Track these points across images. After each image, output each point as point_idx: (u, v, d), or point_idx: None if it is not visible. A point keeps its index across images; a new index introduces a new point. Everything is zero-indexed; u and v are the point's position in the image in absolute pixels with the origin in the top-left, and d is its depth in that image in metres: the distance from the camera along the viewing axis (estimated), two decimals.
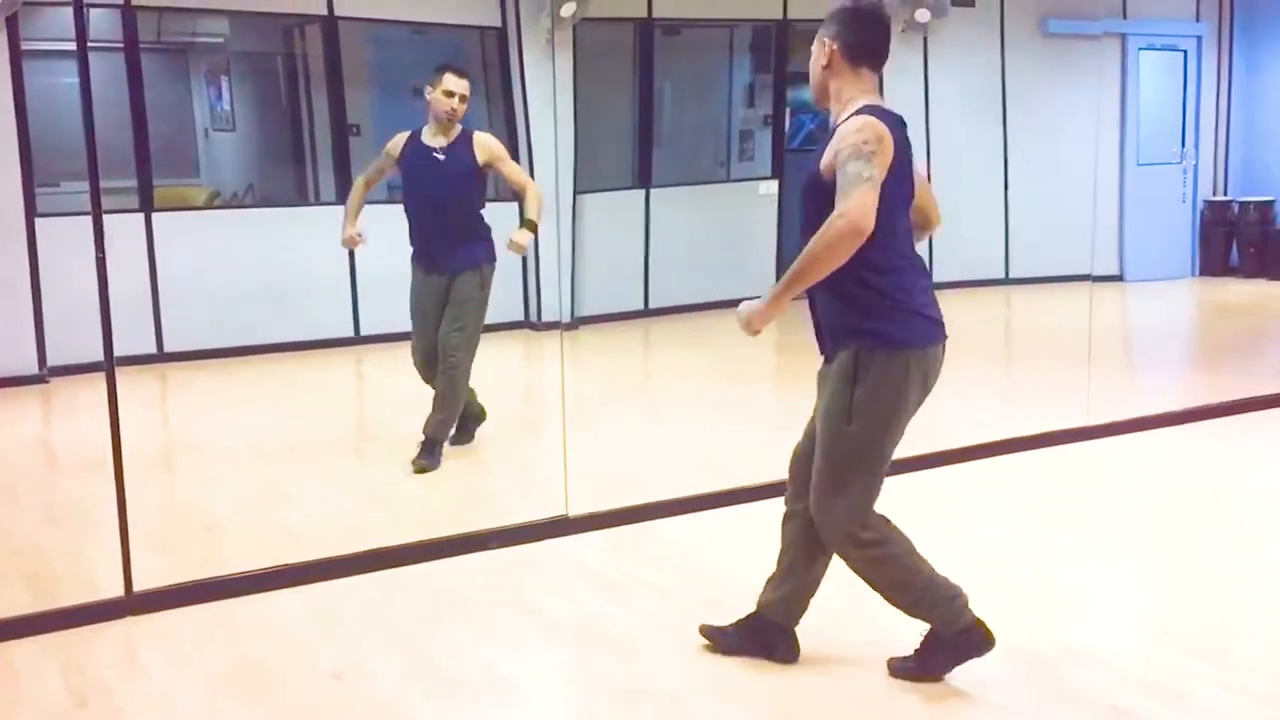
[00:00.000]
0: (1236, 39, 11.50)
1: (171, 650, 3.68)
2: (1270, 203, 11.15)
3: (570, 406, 5.04)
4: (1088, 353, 6.52)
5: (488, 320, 5.57)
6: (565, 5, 8.42)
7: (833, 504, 3.20)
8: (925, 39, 10.13)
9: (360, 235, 5.59)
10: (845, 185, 2.98)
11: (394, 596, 4.06)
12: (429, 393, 5.52)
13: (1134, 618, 3.89)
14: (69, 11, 4.26)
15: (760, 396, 7.26)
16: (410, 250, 5.54)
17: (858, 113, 3.10)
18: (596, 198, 9.30)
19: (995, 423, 5.83)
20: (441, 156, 5.38)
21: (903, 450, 3.31)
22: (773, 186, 10.21)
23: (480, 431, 5.85)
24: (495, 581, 4.19)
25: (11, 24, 7.29)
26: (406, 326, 5.63)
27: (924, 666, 3.32)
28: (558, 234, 8.24)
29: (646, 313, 9.63)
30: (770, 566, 3.47)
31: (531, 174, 8.53)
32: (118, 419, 3.95)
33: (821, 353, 3.29)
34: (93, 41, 7.67)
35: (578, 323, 8.95)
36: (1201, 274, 11.41)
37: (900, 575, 3.24)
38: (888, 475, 3.26)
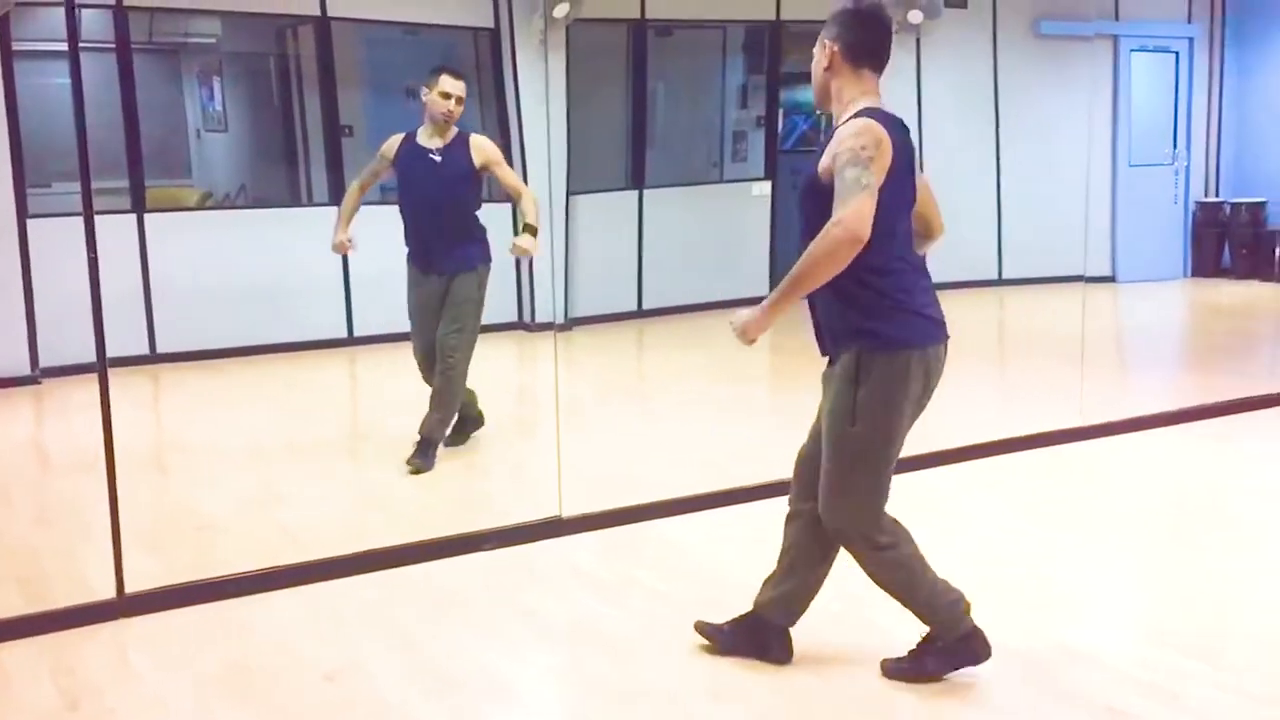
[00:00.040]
0: (1228, 41, 11.54)
1: (163, 652, 3.66)
2: (1262, 204, 11.17)
3: (564, 407, 5.03)
4: (1081, 353, 6.53)
5: (481, 321, 5.56)
6: (558, 6, 8.41)
7: (841, 505, 3.21)
8: (918, 40, 10.15)
9: (350, 241, 5.57)
10: (843, 192, 2.98)
11: (388, 597, 4.05)
12: (423, 393, 5.51)
13: (1130, 618, 3.89)
14: (60, 12, 4.24)
15: (755, 397, 7.25)
16: (406, 251, 5.53)
17: (857, 115, 3.09)
18: (590, 199, 9.29)
19: (990, 423, 5.84)
20: (438, 158, 5.38)
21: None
22: (766, 187, 10.21)
23: (475, 433, 5.84)
24: (490, 582, 4.17)
25: (3, 24, 7.27)
26: (400, 327, 5.62)
27: (918, 668, 3.32)
28: (551, 235, 8.23)
29: (640, 313, 9.63)
30: (766, 566, 3.47)
31: (525, 175, 8.56)
32: (110, 420, 3.94)
33: (822, 352, 3.29)
34: (84, 42, 7.58)
35: (571, 324, 8.95)
36: (1193, 275, 11.44)
37: (909, 578, 3.25)
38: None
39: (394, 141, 5.50)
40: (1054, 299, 9.47)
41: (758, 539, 4.50)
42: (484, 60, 9.07)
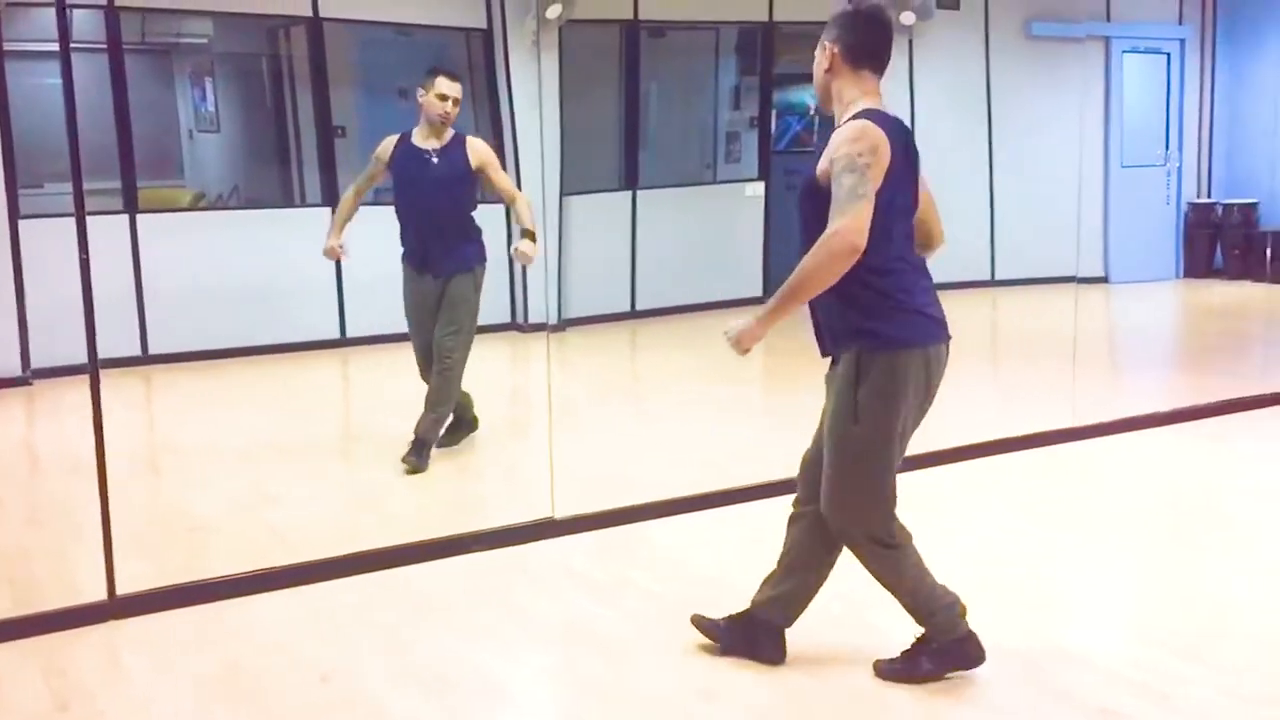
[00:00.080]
0: (1219, 42, 11.57)
1: (155, 654, 3.65)
2: (1254, 205, 11.20)
3: (557, 408, 5.03)
4: (1073, 354, 6.54)
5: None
6: (551, 7, 8.41)
7: (845, 504, 3.21)
8: (910, 41, 10.15)
9: (342, 248, 5.55)
10: (840, 201, 2.98)
11: (381, 599, 4.04)
12: (415, 395, 5.50)
13: (1123, 618, 3.90)
14: (52, 12, 4.23)
15: (748, 398, 7.25)
16: (401, 251, 5.53)
17: (856, 116, 3.09)
18: (583, 199, 9.29)
19: (983, 423, 5.84)
20: (435, 159, 5.37)
21: None
22: (759, 188, 10.21)
23: (469, 436, 5.83)
24: (482, 584, 4.17)
25: None
26: (393, 328, 5.62)
27: (911, 669, 3.32)
28: (544, 236, 8.20)
29: (633, 314, 9.62)
30: (761, 567, 3.47)
31: (518, 176, 8.56)
32: (101, 421, 3.93)
33: (822, 353, 3.29)
34: (76, 42, 7.65)
35: (565, 324, 8.95)
36: (1186, 276, 11.47)
37: (908, 582, 3.26)
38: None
39: (388, 143, 5.49)
40: (1047, 299, 9.49)
41: (752, 540, 4.50)
42: (477, 61, 9.06)
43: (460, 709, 3.29)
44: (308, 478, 5.53)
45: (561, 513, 4.64)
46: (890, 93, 3.28)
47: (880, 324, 3.10)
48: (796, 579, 3.38)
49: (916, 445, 3.39)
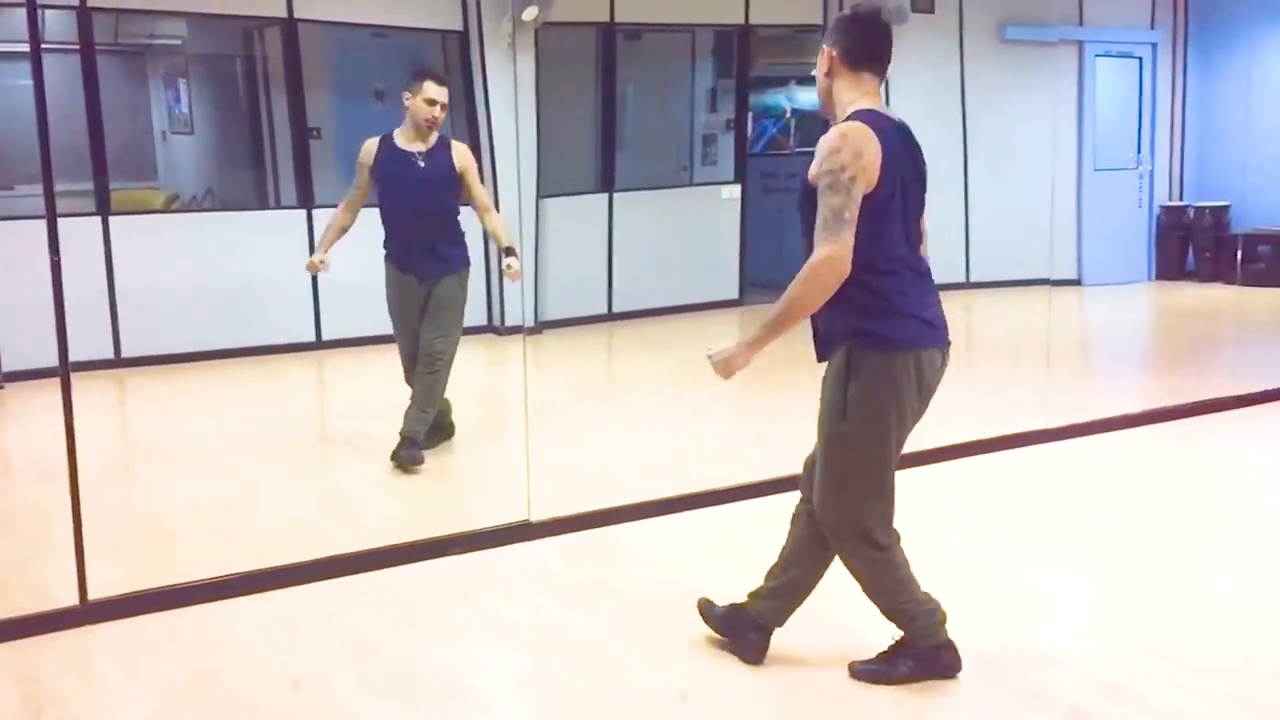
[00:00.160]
0: (1191, 46, 11.67)
1: (127, 660, 3.63)
2: (1225, 208, 11.31)
3: (533, 411, 5.03)
4: (1046, 355, 6.58)
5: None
6: (527, 9, 8.40)
7: (834, 502, 3.22)
8: None
9: (324, 263, 5.50)
10: (824, 223, 2.99)
11: (355, 603, 4.02)
12: (391, 398, 5.49)
13: (1095, 619, 3.92)
14: (22, 13, 4.20)
15: (725, 401, 7.25)
16: (383, 254, 5.51)
17: (850, 117, 3.09)
18: (559, 202, 9.29)
19: (956, 425, 5.86)
20: (422, 163, 5.36)
21: None
22: (735, 190, 10.24)
23: (444, 442, 5.81)
24: (456, 587, 4.16)
25: None
26: (368, 331, 5.61)
27: (889, 671, 3.33)
28: (520, 238, 8.22)
29: (610, 317, 9.62)
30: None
31: (494, 178, 8.55)
32: (73, 425, 3.90)
33: (818, 357, 3.28)
34: (47, 43, 7.56)
35: (541, 327, 8.94)
36: (1158, 278, 11.57)
37: (892, 585, 3.27)
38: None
39: (370, 147, 5.45)
40: (1021, 301, 9.55)
41: (727, 543, 4.52)
42: (453, 63, 9.04)
43: (433, 714, 3.28)
44: (281, 482, 5.51)
45: (537, 515, 4.64)
46: None
47: (873, 324, 3.10)
48: (794, 573, 3.41)
49: None
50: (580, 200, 9.56)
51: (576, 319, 9.31)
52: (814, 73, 3.27)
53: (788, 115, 11.78)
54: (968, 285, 10.83)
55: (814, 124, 10.74)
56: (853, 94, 3.17)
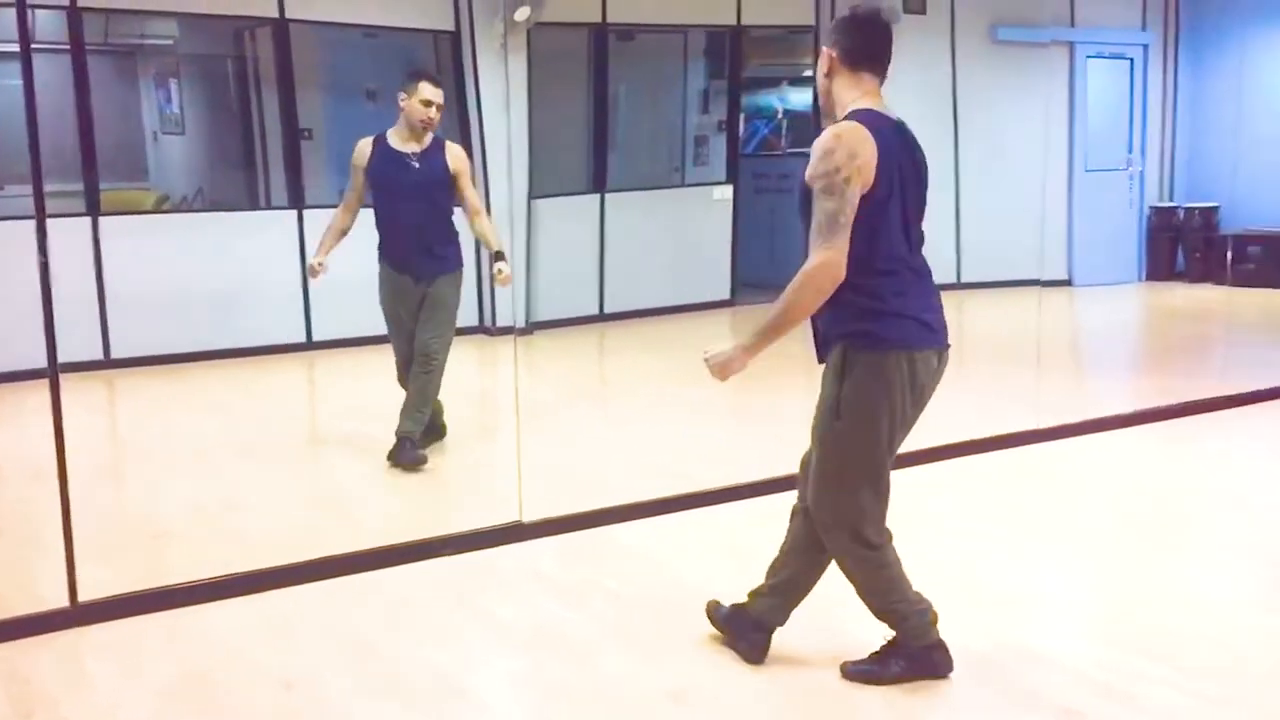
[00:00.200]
0: (1182, 47, 11.71)
1: (118, 661, 3.61)
2: (1215, 209, 11.34)
3: (525, 412, 5.02)
4: (1037, 356, 6.59)
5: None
6: (519, 9, 8.39)
7: (828, 500, 3.22)
8: None
9: (323, 265, 5.48)
10: (818, 228, 2.99)
11: (348, 604, 4.01)
12: (381, 399, 5.47)
13: (1087, 619, 3.93)
14: (12, 13, 4.18)
15: (717, 401, 7.25)
16: (377, 254, 5.49)
17: (848, 117, 3.09)
18: (551, 202, 9.28)
19: (947, 425, 5.86)
20: (417, 164, 5.35)
21: None
22: (727, 191, 10.23)
23: (435, 444, 5.79)
24: (452, 588, 4.15)
25: None
26: (359, 332, 5.60)
27: (880, 671, 3.33)
28: (512, 239, 8.22)
29: (601, 317, 9.62)
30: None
31: (486, 178, 8.54)
32: (62, 426, 3.89)
33: (819, 358, 3.28)
34: (37, 43, 7.55)
35: (532, 328, 8.93)
36: (1148, 279, 11.60)
37: (883, 585, 3.27)
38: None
39: (363, 148, 5.43)
40: (1012, 302, 9.57)
41: (720, 543, 4.52)
42: (444, 64, 9.03)
43: (430, 714, 3.27)
44: (272, 483, 5.49)
45: (529, 516, 4.63)
46: None
47: (869, 324, 3.09)
48: (792, 568, 3.41)
49: None
50: (572, 201, 9.56)
51: (568, 319, 9.30)
52: (812, 73, 3.27)
53: (780, 116, 11.79)
54: (959, 286, 10.83)
55: (806, 125, 10.75)
56: (853, 94, 3.17)
